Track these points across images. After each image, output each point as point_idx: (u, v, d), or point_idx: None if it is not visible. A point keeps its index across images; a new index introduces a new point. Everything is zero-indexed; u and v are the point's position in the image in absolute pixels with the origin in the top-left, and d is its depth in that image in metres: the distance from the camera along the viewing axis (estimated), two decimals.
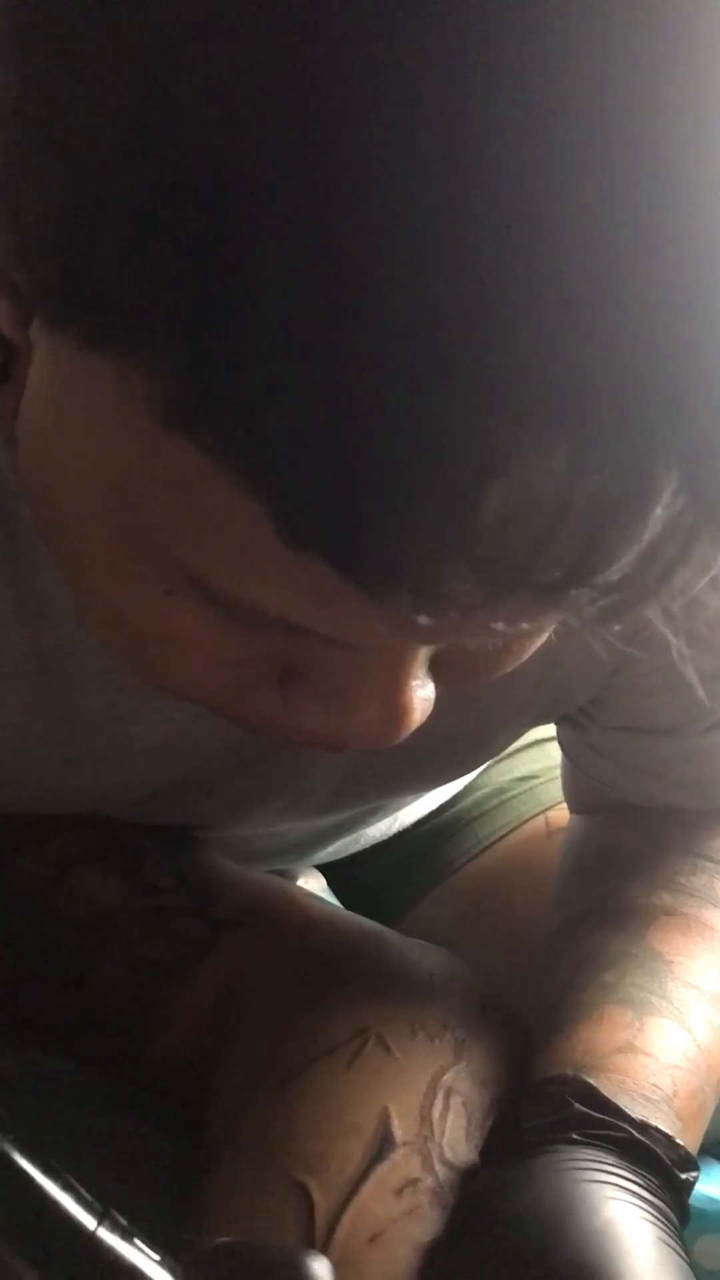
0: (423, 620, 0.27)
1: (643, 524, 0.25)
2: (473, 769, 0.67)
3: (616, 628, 0.30)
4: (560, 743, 0.62)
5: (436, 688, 0.33)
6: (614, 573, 0.26)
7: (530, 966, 0.58)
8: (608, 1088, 0.46)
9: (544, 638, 0.33)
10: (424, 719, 0.33)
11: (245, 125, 0.23)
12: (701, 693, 0.49)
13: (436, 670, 0.33)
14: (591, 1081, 0.46)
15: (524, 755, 0.73)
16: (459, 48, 0.23)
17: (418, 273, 0.23)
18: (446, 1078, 0.49)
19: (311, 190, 0.23)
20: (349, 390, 0.24)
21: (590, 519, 0.25)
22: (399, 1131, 0.46)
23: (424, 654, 0.32)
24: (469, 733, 0.52)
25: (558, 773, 0.70)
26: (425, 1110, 0.47)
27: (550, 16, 0.23)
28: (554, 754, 0.72)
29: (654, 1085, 0.46)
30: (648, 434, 0.24)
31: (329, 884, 0.76)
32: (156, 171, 0.24)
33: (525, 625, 0.28)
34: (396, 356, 0.23)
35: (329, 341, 0.23)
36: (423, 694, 0.33)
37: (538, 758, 0.73)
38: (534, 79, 0.23)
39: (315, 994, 0.52)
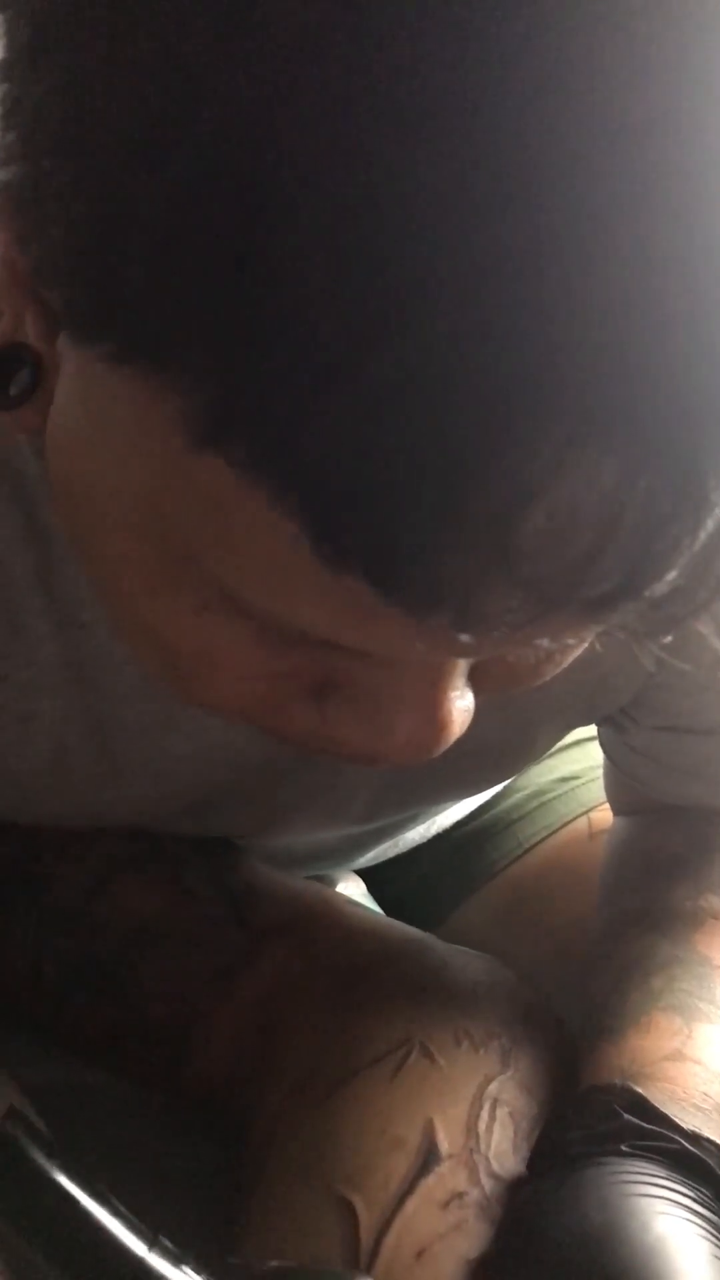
0: (465, 639, 0.26)
1: (692, 538, 0.25)
2: (513, 774, 0.66)
3: (666, 640, 0.29)
4: (601, 744, 0.62)
5: (475, 697, 0.33)
6: (663, 586, 0.26)
7: (575, 972, 0.58)
8: (657, 1097, 0.45)
9: (585, 644, 0.33)
10: (463, 730, 0.33)
11: (275, 136, 0.22)
12: None
13: (475, 679, 0.33)
14: (640, 1090, 0.45)
15: (564, 755, 0.73)
16: (498, 62, 0.22)
17: (459, 288, 0.22)
18: (492, 1087, 0.48)
19: (347, 202, 0.22)
20: (387, 406, 0.23)
21: (639, 534, 0.24)
22: (444, 1144, 0.46)
23: (463, 665, 0.32)
24: (509, 738, 0.52)
25: (599, 773, 0.69)
26: (471, 1121, 0.47)
27: (599, 45, 0.22)
28: (595, 754, 0.71)
29: (704, 1094, 0.46)
30: (696, 447, 0.24)
31: (369, 889, 0.76)
32: (183, 186, 0.23)
33: (571, 640, 0.28)
34: (437, 372, 0.23)
35: (366, 356, 0.23)
36: (462, 705, 0.32)
37: (579, 758, 0.72)
38: (575, 97, 0.22)
39: (358, 1003, 0.52)
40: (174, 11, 0.23)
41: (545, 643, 0.27)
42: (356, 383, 0.23)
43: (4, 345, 0.31)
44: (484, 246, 0.22)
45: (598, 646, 0.32)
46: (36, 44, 0.25)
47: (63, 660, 0.43)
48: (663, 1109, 0.45)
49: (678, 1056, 0.47)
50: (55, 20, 0.24)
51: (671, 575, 0.26)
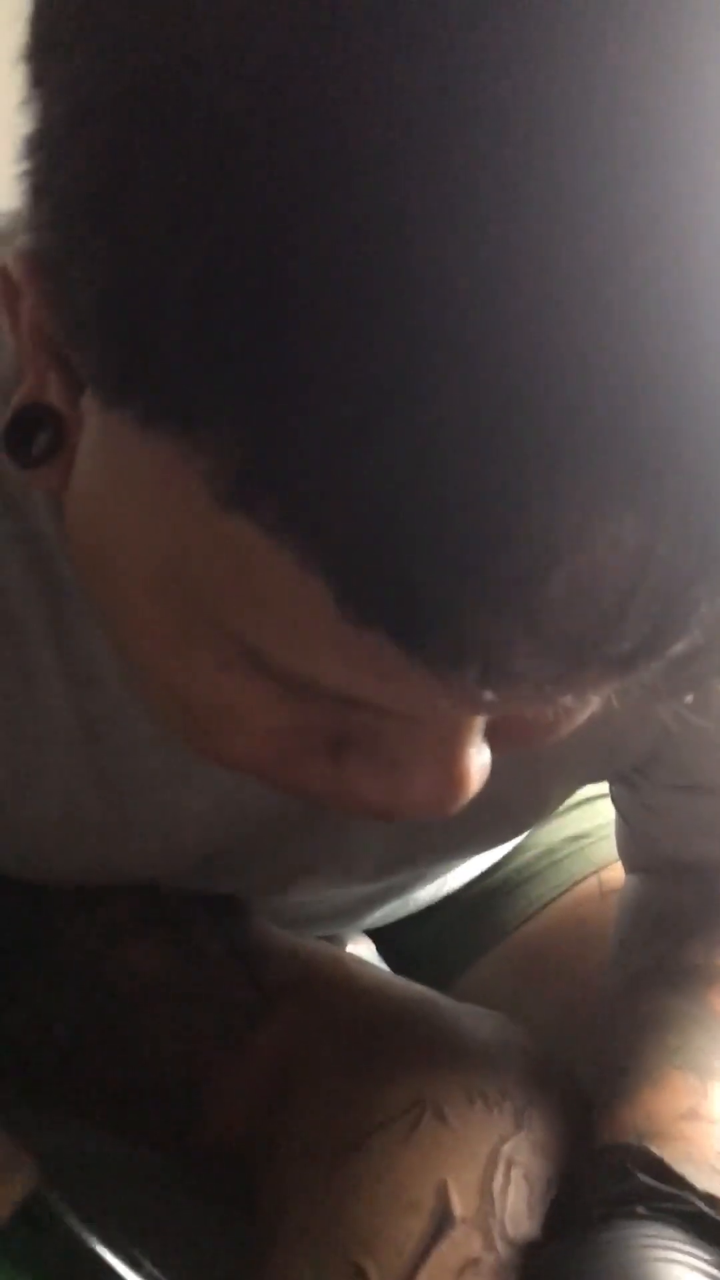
0: (489, 696, 0.27)
1: (714, 598, 0.25)
2: (525, 830, 0.66)
3: (688, 699, 0.29)
4: (614, 802, 0.62)
5: (492, 754, 0.33)
6: (685, 646, 0.26)
7: (588, 1031, 0.58)
8: (673, 1157, 0.45)
9: (601, 701, 0.33)
10: (480, 786, 0.33)
11: (309, 204, 0.23)
12: None
13: (491, 736, 0.33)
14: (655, 1150, 0.45)
15: (574, 814, 0.73)
16: (518, 131, 0.23)
17: (485, 353, 0.23)
18: (507, 1148, 0.48)
19: (374, 269, 0.23)
20: (413, 469, 0.24)
21: (662, 594, 0.25)
22: (458, 1207, 0.46)
23: (480, 721, 0.32)
24: (522, 795, 0.52)
25: (609, 831, 0.70)
26: (485, 1184, 0.47)
27: (601, 87, 0.23)
28: (604, 811, 0.71)
29: None
30: (718, 509, 0.24)
31: (378, 949, 0.76)
32: (217, 255, 0.24)
33: (595, 698, 0.28)
34: (462, 436, 0.23)
35: (392, 420, 0.23)
36: (479, 761, 0.32)
37: (588, 816, 0.72)
38: (599, 155, 0.23)
39: (369, 1064, 0.52)
40: (212, 86, 0.24)
41: (568, 700, 0.28)
42: (384, 446, 0.23)
43: (27, 405, 0.32)
44: (509, 314, 0.23)
45: (614, 702, 0.32)
46: (73, 115, 0.25)
47: (75, 716, 0.43)
48: (679, 1170, 0.44)
49: (693, 1116, 0.47)
50: (92, 92, 0.25)
51: (693, 634, 0.26)
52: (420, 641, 0.26)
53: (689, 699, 0.30)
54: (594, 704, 0.33)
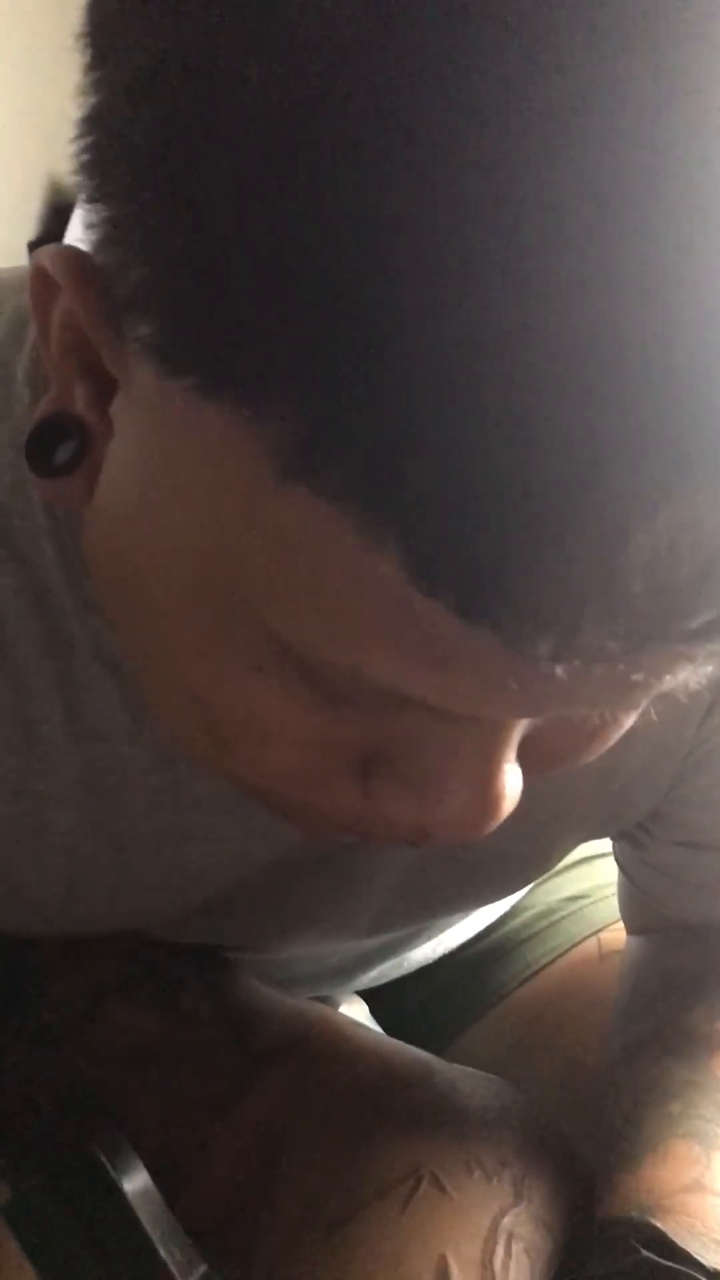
0: (560, 672, 0.26)
1: None
2: (527, 885, 0.66)
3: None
4: (618, 860, 0.62)
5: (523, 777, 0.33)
6: None
7: (588, 1097, 0.57)
8: (676, 1231, 0.44)
9: (631, 721, 0.33)
10: (512, 808, 0.32)
11: (383, 173, 0.23)
12: None
13: (523, 757, 0.33)
14: (659, 1224, 0.44)
15: (572, 873, 0.72)
16: (609, 118, 0.23)
17: (567, 314, 0.23)
18: (507, 1220, 0.47)
19: (458, 230, 0.23)
20: (492, 429, 0.23)
21: None
22: None
23: (517, 735, 0.32)
24: (525, 848, 0.52)
25: (608, 891, 0.69)
26: (486, 1258, 0.46)
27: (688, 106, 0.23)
28: (604, 871, 0.71)
29: None
30: None
31: (371, 1011, 0.75)
32: (294, 214, 0.24)
33: (667, 678, 0.28)
34: (544, 396, 0.23)
35: (474, 379, 0.23)
36: (513, 781, 0.32)
37: (587, 875, 0.72)
38: (677, 149, 0.23)
39: (364, 1130, 0.51)
40: (282, 54, 0.24)
41: (640, 678, 0.27)
42: (462, 408, 0.23)
43: (52, 415, 0.32)
44: (593, 283, 0.23)
45: (652, 715, 0.32)
46: (141, 83, 0.26)
47: (80, 772, 0.43)
48: (683, 1244, 0.44)
49: (697, 1188, 0.46)
50: (163, 57, 0.25)
51: None
52: (493, 609, 0.25)
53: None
54: (626, 724, 0.33)
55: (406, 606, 0.26)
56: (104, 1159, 0.43)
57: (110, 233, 0.27)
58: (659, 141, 0.23)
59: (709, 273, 0.23)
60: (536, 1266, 0.46)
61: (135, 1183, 0.44)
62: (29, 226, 1.67)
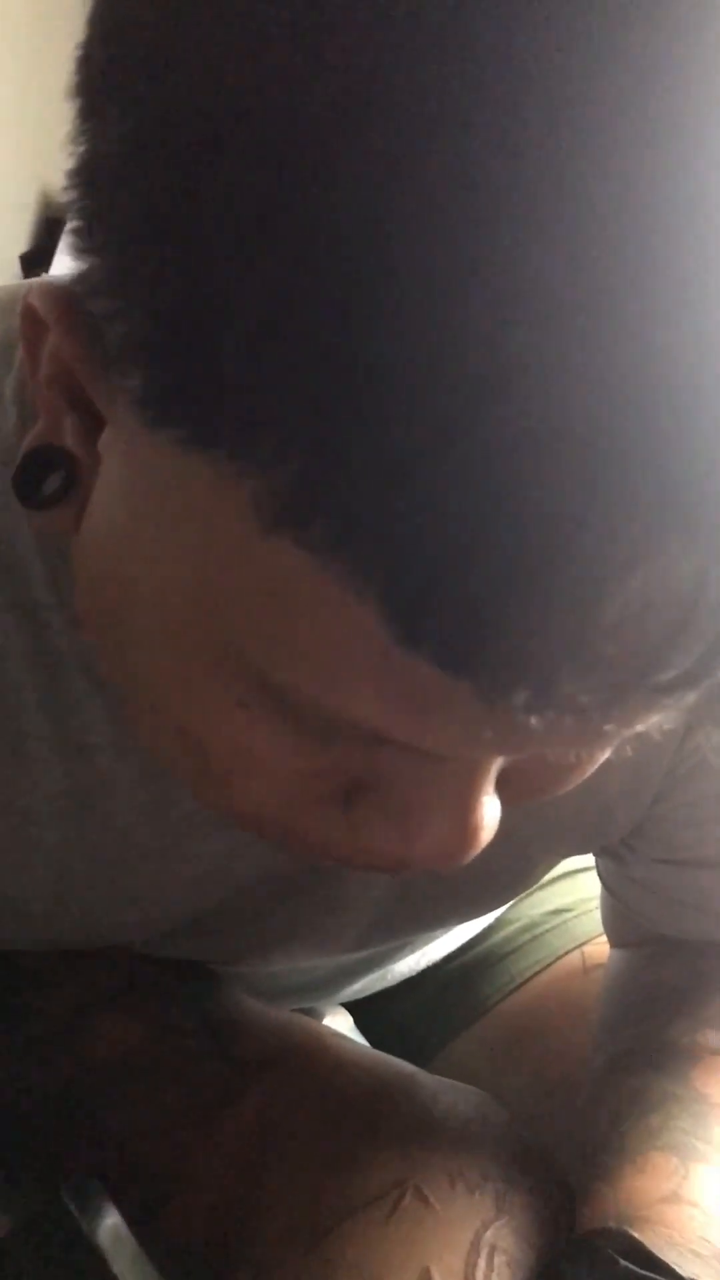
0: (534, 723, 0.27)
1: None
2: (509, 900, 0.67)
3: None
4: (600, 875, 0.62)
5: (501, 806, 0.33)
6: None
7: (570, 1110, 0.58)
8: (654, 1241, 0.45)
9: (609, 753, 0.34)
10: (491, 837, 0.33)
11: (376, 227, 0.24)
12: None
13: (502, 788, 0.34)
14: (637, 1235, 0.45)
15: (557, 887, 0.73)
16: (572, 160, 0.23)
17: (549, 374, 0.23)
18: (489, 1234, 0.48)
19: (441, 291, 0.23)
20: (475, 485, 0.24)
21: (712, 623, 0.26)
22: None
23: (495, 768, 0.33)
24: (508, 864, 0.52)
25: (592, 905, 0.70)
26: (469, 1272, 0.46)
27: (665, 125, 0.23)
28: (587, 886, 0.72)
29: (703, 1239, 0.45)
30: None
31: (356, 1023, 0.76)
32: (281, 276, 0.24)
33: (639, 727, 0.29)
34: (524, 458, 0.24)
35: (456, 438, 0.24)
36: (491, 811, 0.33)
37: (571, 890, 0.73)
38: (665, 187, 0.23)
39: (348, 1142, 0.51)
40: (288, 105, 0.24)
41: (611, 729, 0.28)
42: (446, 463, 0.24)
43: (40, 447, 0.33)
44: (573, 346, 0.23)
45: (607, 774, 0.33)
46: (137, 139, 0.26)
47: (67, 786, 0.43)
48: (660, 1255, 0.44)
49: (674, 1199, 0.47)
50: (159, 115, 0.26)
51: None
52: (470, 664, 0.26)
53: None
54: (604, 755, 0.34)
55: (388, 655, 0.26)
56: (73, 1208, 0.43)
57: (99, 283, 0.27)
58: (632, 232, 0.23)
59: (687, 343, 0.23)
60: (518, 1279, 0.47)
61: (106, 1229, 0.44)
62: (21, 239, 1.68)
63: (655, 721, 0.29)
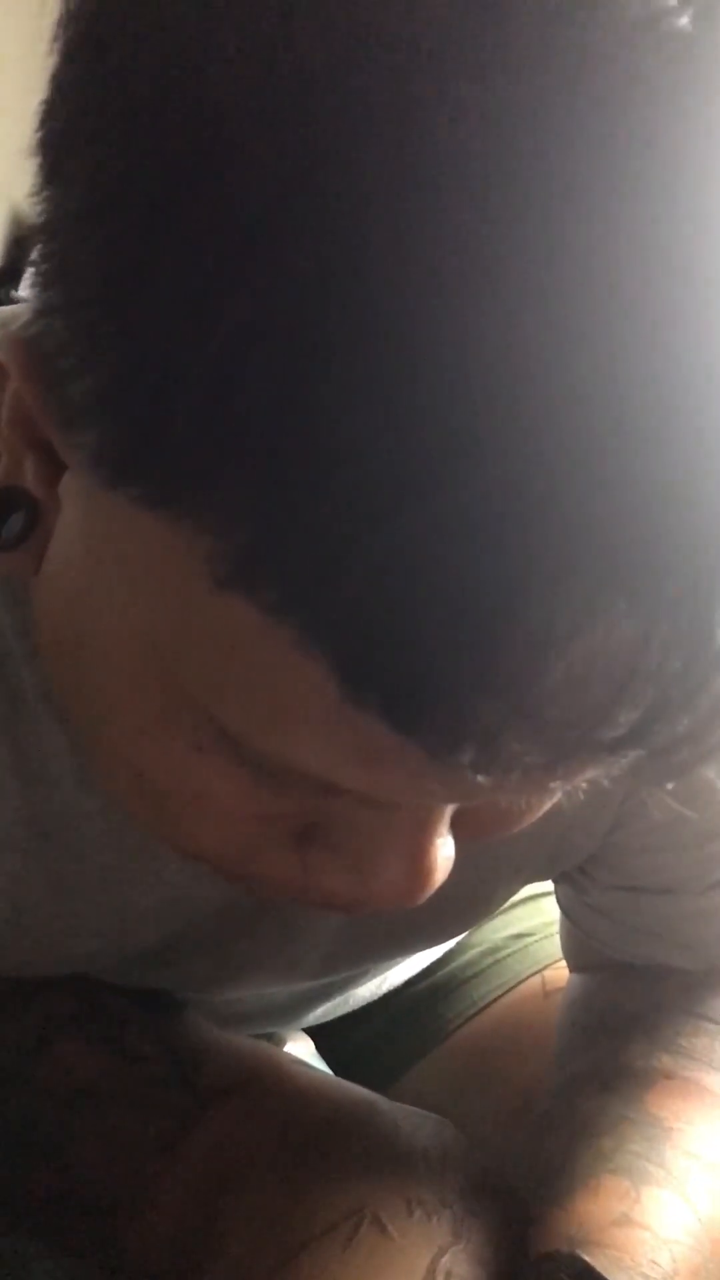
0: (481, 780, 0.28)
1: (704, 689, 0.27)
2: (469, 928, 0.67)
3: (670, 786, 0.31)
4: (559, 901, 0.63)
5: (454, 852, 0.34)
6: (675, 734, 0.28)
7: (529, 1133, 0.58)
8: (604, 1264, 0.45)
9: (561, 794, 0.35)
10: (445, 877, 0.34)
11: (326, 297, 0.24)
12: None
13: (455, 826, 0.34)
14: (587, 1258, 0.46)
15: (517, 911, 0.74)
16: (525, 212, 0.24)
17: (496, 449, 0.24)
18: (445, 1260, 0.49)
19: (393, 365, 0.24)
20: (421, 556, 0.25)
21: (655, 686, 0.26)
22: None
23: (449, 811, 0.34)
24: (467, 892, 0.53)
25: (553, 929, 0.71)
26: None
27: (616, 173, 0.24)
28: (548, 910, 0.73)
29: (653, 1262, 0.46)
30: (712, 606, 0.26)
31: (317, 1048, 0.76)
32: (232, 341, 0.25)
33: (584, 783, 0.29)
34: (471, 527, 0.24)
35: (405, 508, 0.24)
36: (445, 852, 0.34)
37: (532, 914, 0.73)
38: (615, 253, 0.24)
39: (307, 1170, 0.52)
40: (229, 177, 0.25)
41: (556, 784, 0.29)
42: (393, 532, 0.25)
43: (1, 488, 0.33)
44: (518, 416, 0.24)
45: (579, 795, 0.34)
46: (91, 205, 0.27)
47: (26, 815, 0.44)
48: (611, 1278, 0.45)
49: (625, 1222, 0.47)
50: (113, 182, 0.26)
51: (685, 723, 0.27)
52: (417, 724, 0.27)
53: (670, 786, 0.31)
54: (555, 796, 0.34)
55: (338, 710, 0.27)
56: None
57: (57, 341, 0.28)
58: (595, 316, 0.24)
59: (624, 414, 0.24)
60: None
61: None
62: None
63: (601, 774, 0.30)
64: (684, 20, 0.23)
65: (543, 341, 0.24)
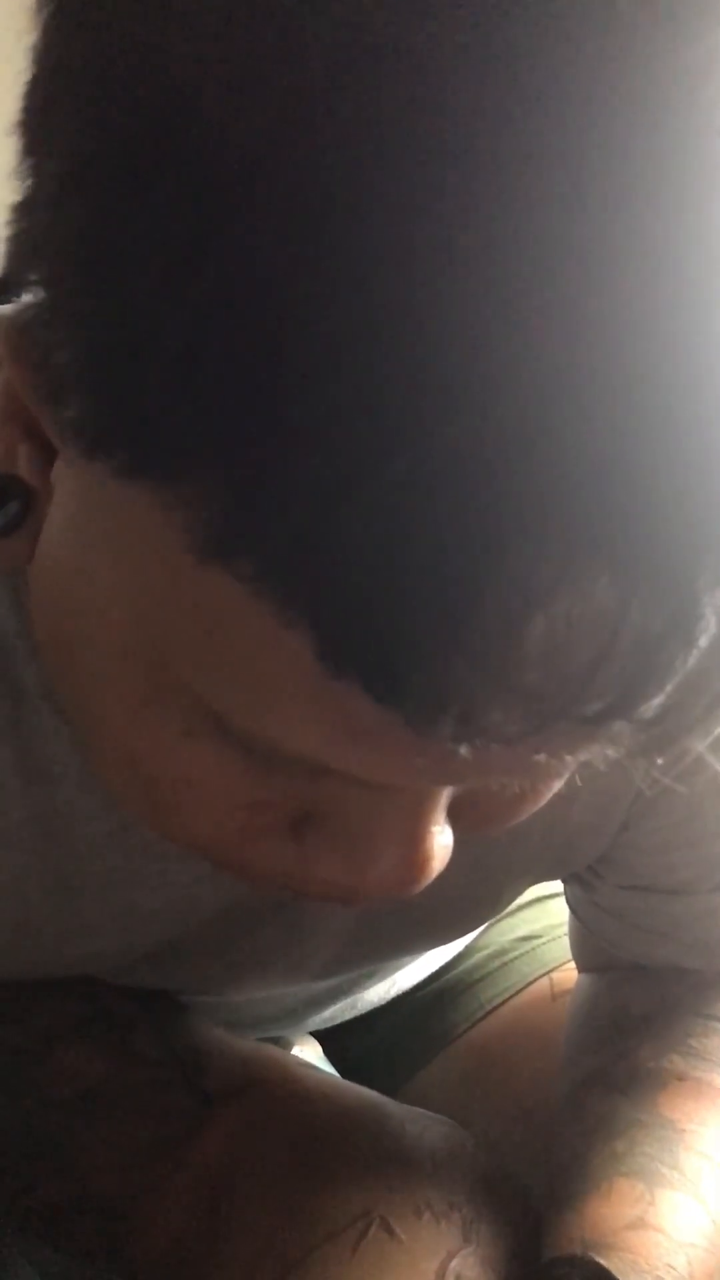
0: (463, 751, 0.28)
1: (685, 656, 0.27)
2: (476, 928, 0.67)
3: (660, 761, 0.31)
4: (568, 901, 0.63)
5: (453, 836, 0.34)
6: (658, 704, 0.27)
7: (539, 1137, 0.58)
8: (619, 1268, 0.46)
9: (562, 782, 0.34)
10: (443, 867, 0.34)
11: (294, 266, 0.24)
12: None
13: (454, 818, 0.34)
14: (602, 1262, 0.46)
15: (525, 914, 0.74)
16: (515, 204, 0.24)
17: (466, 409, 0.24)
18: (454, 1264, 0.49)
19: (361, 332, 0.24)
20: (392, 523, 0.25)
21: (635, 652, 0.26)
22: None
23: (445, 798, 0.34)
24: (473, 892, 0.53)
25: (560, 931, 0.71)
26: None
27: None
28: (556, 911, 0.73)
29: (669, 1265, 0.46)
30: (690, 570, 0.26)
31: (325, 1053, 0.76)
32: (203, 311, 0.25)
33: (569, 758, 0.29)
34: (444, 488, 0.25)
35: (377, 473, 0.25)
36: (442, 841, 0.34)
37: (539, 916, 0.74)
38: (591, 218, 0.24)
39: (314, 1173, 0.52)
40: (198, 151, 0.25)
41: (542, 759, 0.29)
42: (367, 501, 0.25)
43: None
44: (490, 376, 0.24)
45: (568, 790, 0.34)
46: (66, 179, 0.27)
47: (30, 814, 0.44)
48: None
49: (640, 1225, 0.48)
50: (86, 156, 0.27)
51: (666, 693, 0.27)
52: (397, 692, 0.27)
53: (660, 761, 0.31)
54: (555, 784, 0.34)
55: (320, 683, 0.27)
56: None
57: (40, 315, 0.28)
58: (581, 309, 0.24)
59: (608, 375, 0.24)
60: None
61: None
62: None
63: (594, 753, 0.30)
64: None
65: (513, 304, 0.24)
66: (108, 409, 0.27)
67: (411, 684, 0.27)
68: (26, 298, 0.29)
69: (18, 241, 0.29)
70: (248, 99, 0.25)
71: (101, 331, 0.27)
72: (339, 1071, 0.72)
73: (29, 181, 0.28)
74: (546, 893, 0.73)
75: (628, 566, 0.25)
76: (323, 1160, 0.53)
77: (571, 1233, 0.48)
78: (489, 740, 0.27)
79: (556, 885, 0.66)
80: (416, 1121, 0.57)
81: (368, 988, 0.70)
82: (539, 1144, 0.58)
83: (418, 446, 0.24)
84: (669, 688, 0.27)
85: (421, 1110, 0.58)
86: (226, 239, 0.25)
